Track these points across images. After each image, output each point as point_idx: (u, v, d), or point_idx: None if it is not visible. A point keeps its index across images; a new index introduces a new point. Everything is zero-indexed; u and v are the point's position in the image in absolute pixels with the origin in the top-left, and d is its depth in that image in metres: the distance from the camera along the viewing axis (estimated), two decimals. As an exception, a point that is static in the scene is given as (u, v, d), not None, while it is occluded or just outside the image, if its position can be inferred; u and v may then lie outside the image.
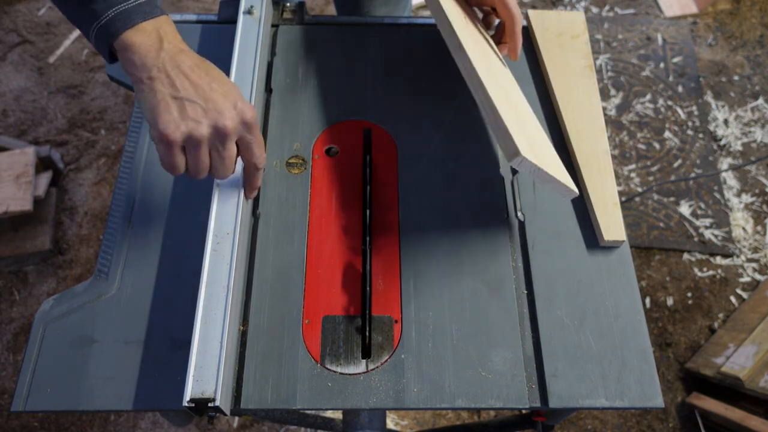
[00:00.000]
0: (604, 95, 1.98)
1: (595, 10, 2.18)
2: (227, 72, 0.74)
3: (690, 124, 1.91)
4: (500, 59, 0.78)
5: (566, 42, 0.87)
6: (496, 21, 0.80)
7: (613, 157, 1.86)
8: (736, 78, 2.02)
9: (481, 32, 0.77)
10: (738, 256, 1.70)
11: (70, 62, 2.00)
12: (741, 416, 1.35)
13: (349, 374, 0.63)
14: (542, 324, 0.67)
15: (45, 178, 1.68)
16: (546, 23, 0.89)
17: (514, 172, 0.78)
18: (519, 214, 0.74)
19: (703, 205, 1.77)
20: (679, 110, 1.94)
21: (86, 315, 0.66)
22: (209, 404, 0.56)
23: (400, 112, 0.82)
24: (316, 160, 0.77)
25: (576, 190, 0.66)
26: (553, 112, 0.82)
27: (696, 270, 1.69)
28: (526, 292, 0.70)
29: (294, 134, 0.79)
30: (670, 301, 1.64)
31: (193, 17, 0.89)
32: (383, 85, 0.84)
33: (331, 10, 2.15)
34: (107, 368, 0.63)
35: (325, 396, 0.62)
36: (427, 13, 2.18)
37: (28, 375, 0.63)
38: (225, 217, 0.66)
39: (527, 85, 0.85)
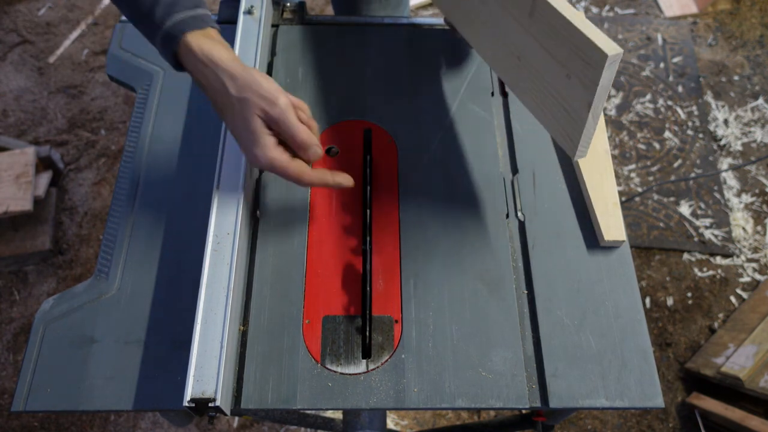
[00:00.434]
0: (604, 95, 1.97)
1: (595, 10, 2.18)
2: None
3: (690, 124, 1.91)
4: None
5: (566, 42, 0.87)
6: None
7: (613, 157, 1.86)
8: (736, 78, 2.02)
9: None
10: (738, 256, 1.70)
11: (70, 62, 2.00)
12: (741, 416, 1.35)
13: (350, 374, 0.63)
14: (542, 324, 0.67)
15: (45, 178, 1.68)
16: (546, 23, 0.89)
17: (514, 171, 0.78)
18: (519, 214, 0.74)
19: (703, 205, 1.77)
20: (679, 110, 1.94)
21: (86, 315, 0.66)
22: (209, 404, 0.56)
23: (400, 112, 0.82)
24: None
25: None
26: (553, 112, 0.82)
27: (696, 270, 1.69)
28: (526, 292, 0.70)
29: (294, 134, 0.79)
30: (670, 301, 1.64)
31: (193, 17, 0.89)
32: (383, 85, 0.84)
33: (331, 10, 2.15)
34: (107, 368, 0.63)
35: (325, 396, 0.62)
36: (427, 13, 2.17)
37: (28, 375, 0.63)
38: (225, 217, 0.66)
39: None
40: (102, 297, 0.68)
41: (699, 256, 1.71)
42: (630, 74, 2.02)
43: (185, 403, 0.56)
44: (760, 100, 1.97)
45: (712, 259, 1.70)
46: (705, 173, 1.82)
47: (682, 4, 2.18)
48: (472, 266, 0.70)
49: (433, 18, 0.92)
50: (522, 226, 0.74)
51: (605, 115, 1.91)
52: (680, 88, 1.98)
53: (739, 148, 1.88)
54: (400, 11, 1.12)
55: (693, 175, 1.82)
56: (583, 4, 2.20)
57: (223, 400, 0.57)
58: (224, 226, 0.65)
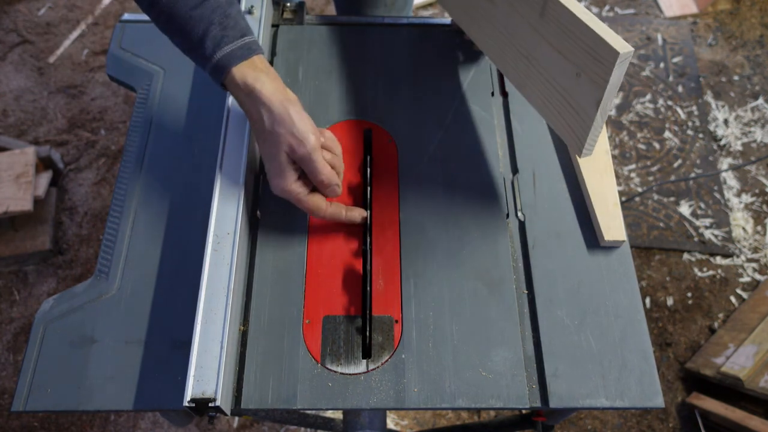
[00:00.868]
0: (604, 95, 1.97)
1: (595, 10, 2.18)
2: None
3: (690, 124, 1.91)
4: None
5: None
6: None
7: (613, 157, 1.86)
8: (736, 78, 2.02)
9: None
10: (738, 256, 1.70)
11: (70, 62, 2.00)
12: (741, 416, 1.35)
13: (350, 374, 0.63)
14: (542, 324, 0.67)
15: (45, 178, 1.68)
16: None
17: (514, 171, 0.78)
18: (519, 214, 0.74)
19: (703, 205, 1.77)
20: (679, 110, 1.94)
21: (86, 315, 0.66)
22: (210, 404, 0.56)
23: (400, 112, 0.82)
24: (317, 160, 0.77)
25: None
26: (554, 112, 0.82)
27: (696, 270, 1.69)
28: (526, 292, 0.70)
29: (294, 134, 0.79)
30: (670, 301, 1.64)
31: (193, 17, 0.89)
32: (383, 85, 0.84)
33: (331, 10, 2.15)
34: (107, 368, 0.63)
35: (325, 396, 0.62)
36: (427, 13, 2.17)
37: (28, 375, 0.63)
38: (225, 217, 0.66)
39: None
40: (102, 297, 0.68)
41: (699, 256, 1.71)
42: (630, 74, 2.02)
43: (185, 403, 0.56)
44: (760, 100, 1.97)
45: (712, 259, 1.70)
46: (705, 173, 1.82)
47: (682, 4, 2.18)
48: (472, 266, 0.70)
49: (433, 18, 0.91)
50: (522, 226, 0.74)
51: (605, 115, 1.91)
52: (680, 88, 1.98)
53: (739, 148, 1.88)
54: (404, 14, 1.12)
55: (693, 175, 1.82)
56: (583, 4, 2.20)
57: (223, 400, 0.57)
58: (224, 226, 0.65)
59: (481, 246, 0.72)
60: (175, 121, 0.80)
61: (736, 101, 1.97)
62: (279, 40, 0.88)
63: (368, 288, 0.66)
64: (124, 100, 1.93)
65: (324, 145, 0.65)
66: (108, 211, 0.75)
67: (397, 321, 0.66)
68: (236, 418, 1.48)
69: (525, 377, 0.64)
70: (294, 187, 0.64)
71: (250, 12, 0.81)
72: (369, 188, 0.74)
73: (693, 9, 2.17)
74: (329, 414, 1.39)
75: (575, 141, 0.64)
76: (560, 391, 0.63)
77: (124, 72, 0.84)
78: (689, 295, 1.65)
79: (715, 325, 1.61)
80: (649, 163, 1.85)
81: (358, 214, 0.70)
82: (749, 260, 1.70)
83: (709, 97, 1.98)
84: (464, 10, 0.78)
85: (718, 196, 1.79)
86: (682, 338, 1.60)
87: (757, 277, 1.67)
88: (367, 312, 0.65)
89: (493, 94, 0.84)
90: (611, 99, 0.59)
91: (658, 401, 0.63)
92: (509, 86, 0.84)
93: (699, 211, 1.76)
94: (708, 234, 1.72)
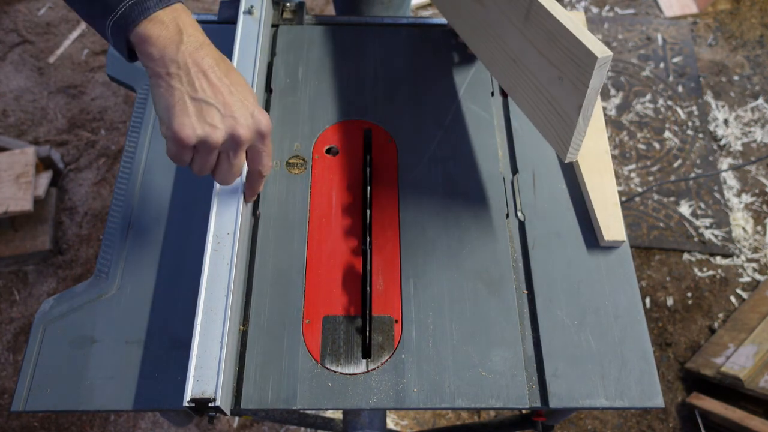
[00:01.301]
0: (604, 95, 1.98)
1: (595, 10, 2.18)
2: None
3: (690, 124, 1.91)
4: None
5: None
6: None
7: (613, 157, 1.86)
8: (736, 78, 2.02)
9: None
10: (738, 256, 1.70)
11: (70, 62, 2.00)
12: (741, 416, 1.35)
13: (350, 374, 0.63)
14: (542, 324, 0.67)
15: (45, 178, 1.68)
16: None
17: (514, 171, 0.78)
18: (519, 214, 0.74)
19: (703, 205, 1.77)
20: (679, 110, 1.94)
21: (86, 315, 0.66)
22: (209, 404, 0.56)
23: (400, 112, 0.82)
24: (317, 160, 0.77)
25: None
26: (553, 112, 0.82)
27: (696, 270, 1.69)
28: (526, 292, 0.70)
29: (294, 134, 0.79)
30: (670, 301, 1.64)
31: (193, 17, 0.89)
32: (383, 85, 0.84)
33: (331, 10, 2.15)
34: (107, 368, 0.63)
35: (325, 396, 0.62)
36: (427, 13, 2.17)
37: (28, 375, 0.63)
38: (225, 217, 0.66)
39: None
40: (102, 297, 0.68)
41: (699, 256, 1.71)
42: (630, 74, 2.02)
43: (185, 403, 0.56)
44: (760, 100, 1.97)
45: (712, 259, 1.70)
46: (705, 173, 1.82)
47: (682, 4, 2.18)
48: (472, 266, 0.70)
49: (433, 18, 0.92)
50: (522, 226, 0.74)
51: (605, 115, 1.91)
52: (680, 88, 1.98)
53: (739, 148, 1.88)
54: (401, 13, 1.12)
55: (693, 175, 1.82)
56: (583, 4, 2.20)
57: (223, 400, 0.57)
58: (224, 226, 0.65)
59: (481, 246, 0.72)
60: (175, 121, 0.80)
61: (736, 101, 1.97)
62: (279, 40, 0.88)
63: (368, 288, 0.66)
64: (124, 100, 1.93)
65: None
66: (108, 211, 0.74)
67: (397, 321, 0.66)
68: (236, 418, 1.48)
69: (525, 377, 0.64)
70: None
71: (250, 12, 0.81)
72: (369, 188, 0.74)
73: (693, 9, 2.17)
74: (329, 414, 1.39)
75: (560, 145, 0.65)
76: (560, 391, 0.63)
77: (124, 72, 0.84)
78: (689, 295, 1.65)
79: (715, 325, 1.61)
80: (649, 163, 1.85)
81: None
82: (749, 260, 1.70)
83: (709, 97, 1.98)
84: (457, 12, 0.78)
85: (718, 196, 1.79)
86: (682, 338, 1.60)
87: (757, 277, 1.67)
88: (367, 312, 0.65)
89: (492, 94, 0.84)
90: (592, 103, 0.59)
91: (658, 401, 0.63)
92: (509, 86, 0.84)
93: (699, 211, 1.76)
94: (708, 234, 1.72)
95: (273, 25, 0.89)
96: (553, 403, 0.63)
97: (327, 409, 0.65)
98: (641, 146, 1.88)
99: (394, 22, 0.91)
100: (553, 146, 0.66)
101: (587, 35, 0.55)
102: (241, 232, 0.66)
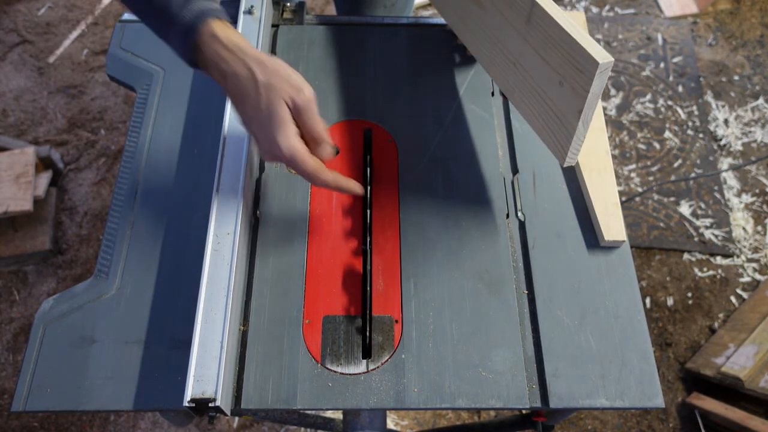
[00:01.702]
0: (604, 95, 1.98)
1: (595, 10, 2.18)
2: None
3: (690, 124, 1.91)
4: None
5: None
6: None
7: (613, 157, 1.86)
8: (736, 78, 2.02)
9: None
10: (738, 256, 1.70)
11: (70, 62, 2.00)
12: (741, 416, 1.35)
13: (350, 374, 0.63)
14: (542, 324, 0.67)
15: (45, 178, 1.68)
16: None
17: (515, 171, 0.78)
18: (519, 214, 0.74)
19: (703, 205, 1.77)
20: (679, 110, 1.94)
21: (86, 315, 0.66)
22: (210, 404, 0.56)
23: (400, 112, 0.82)
24: (317, 160, 0.77)
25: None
26: (554, 112, 0.82)
27: (696, 270, 1.69)
28: (526, 291, 0.70)
29: (294, 134, 0.79)
30: (670, 301, 1.64)
31: (193, 17, 0.89)
32: (383, 85, 0.84)
33: (331, 9, 2.15)
34: (107, 368, 0.63)
35: (325, 396, 0.62)
36: (427, 13, 2.17)
37: (28, 375, 0.63)
38: (225, 217, 0.66)
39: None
40: (102, 297, 0.68)
41: (699, 256, 1.71)
42: (630, 74, 2.02)
43: (185, 403, 0.56)
44: (760, 100, 1.97)
45: (712, 259, 1.70)
46: (705, 173, 1.82)
47: (682, 4, 2.18)
48: (472, 266, 0.70)
49: (433, 18, 0.92)
50: (522, 226, 0.74)
51: (605, 115, 1.91)
52: (680, 88, 1.98)
53: (739, 148, 1.88)
54: (404, 15, 1.12)
55: (693, 175, 1.82)
56: (583, 4, 2.20)
57: (223, 400, 0.57)
58: (224, 226, 0.65)
59: (481, 246, 0.72)
60: (175, 121, 0.80)
61: (736, 101, 1.97)
62: (279, 40, 0.88)
63: (368, 288, 0.66)
64: (124, 100, 1.93)
65: None
66: (108, 211, 0.74)
67: (397, 321, 0.66)
68: (236, 418, 1.48)
69: (525, 377, 0.64)
70: (298, 143, 0.58)
71: (250, 12, 0.81)
72: (369, 188, 0.73)
73: (693, 9, 2.17)
74: (329, 414, 1.39)
75: (559, 149, 0.65)
76: (560, 391, 0.63)
77: (124, 72, 0.84)
78: (689, 295, 1.65)
79: (715, 325, 1.61)
80: (649, 163, 1.85)
81: (356, 186, 0.65)
82: (749, 260, 1.70)
83: (709, 97, 1.98)
84: (456, 14, 0.78)
85: (718, 196, 1.79)
86: (682, 338, 1.60)
87: (758, 277, 1.67)
88: (367, 312, 0.65)
89: (493, 94, 0.84)
90: (593, 109, 0.59)
91: (658, 401, 0.63)
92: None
93: (699, 211, 1.76)
94: (708, 234, 1.72)
95: (273, 25, 0.89)
96: (554, 403, 0.63)
97: (327, 410, 0.65)
98: (641, 146, 1.88)
99: (394, 22, 0.91)
100: (552, 150, 0.66)
101: (589, 40, 0.55)
102: (241, 232, 0.66)
